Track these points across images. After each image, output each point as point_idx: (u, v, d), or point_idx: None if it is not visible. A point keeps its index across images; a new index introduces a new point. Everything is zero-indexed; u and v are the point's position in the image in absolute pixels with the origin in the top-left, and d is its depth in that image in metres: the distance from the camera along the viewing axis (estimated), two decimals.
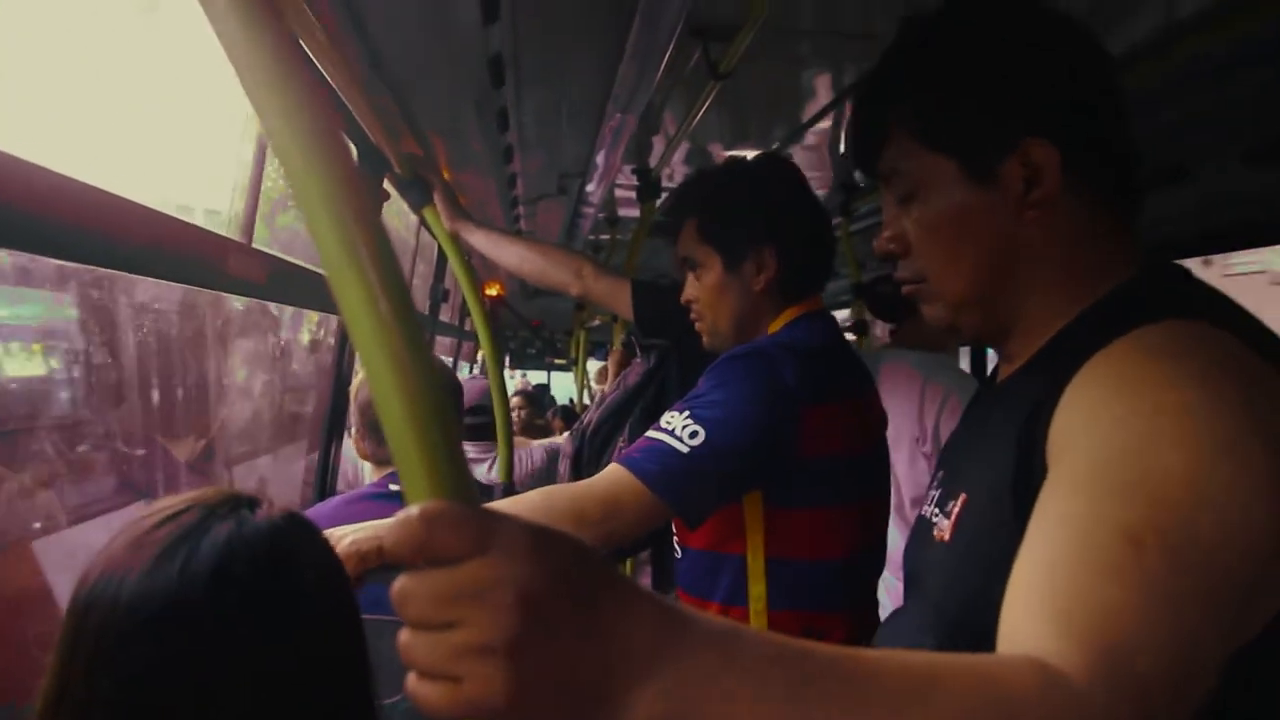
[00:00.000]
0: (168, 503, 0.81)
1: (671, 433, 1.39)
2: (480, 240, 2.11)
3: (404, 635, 0.51)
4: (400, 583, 0.51)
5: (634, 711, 0.53)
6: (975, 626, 0.70)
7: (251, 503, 0.82)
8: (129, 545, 0.77)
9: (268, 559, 0.78)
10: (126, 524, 0.80)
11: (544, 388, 8.35)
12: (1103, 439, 0.70)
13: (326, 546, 0.86)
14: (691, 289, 1.65)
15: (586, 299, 2.18)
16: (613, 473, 1.38)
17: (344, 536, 1.18)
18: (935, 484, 1.00)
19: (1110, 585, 0.62)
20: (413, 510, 0.50)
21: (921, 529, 0.99)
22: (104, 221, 1.07)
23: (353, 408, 1.95)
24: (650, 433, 1.42)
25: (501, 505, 1.44)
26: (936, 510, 0.95)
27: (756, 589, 1.50)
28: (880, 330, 3.76)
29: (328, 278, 0.49)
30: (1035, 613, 0.63)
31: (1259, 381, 0.71)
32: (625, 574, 0.55)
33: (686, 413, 1.41)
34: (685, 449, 1.37)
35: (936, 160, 0.90)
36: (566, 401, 8.20)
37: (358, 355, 0.50)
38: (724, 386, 1.43)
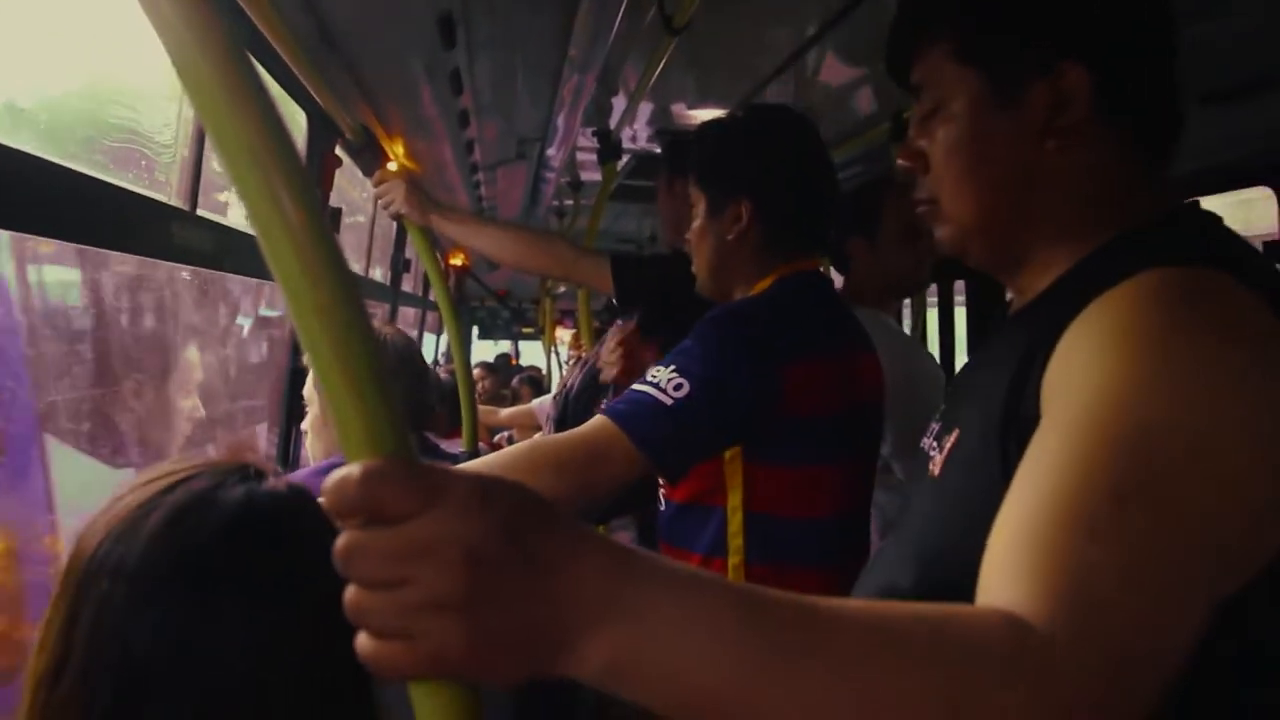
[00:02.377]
0: (175, 466, 0.80)
1: (657, 385, 1.39)
2: (455, 231, 2.07)
3: (351, 595, 0.50)
4: (344, 541, 0.50)
5: (588, 658, 0.52)
6: (955, 567, 0.69)
7: (259, 472, 0.81)
8: (135, 509, 0.75)
9: (275, 528, 0.77)
10: (131, 485, 0.79)
11: (505, 357, 8.29)
12: (1093, 388, 0.68)
13: (330, 522, 0.85)
14: (690, 232, 1.65)
15: (567, 281, 2.18)
16: (596, 423, 1.38)
17: None
18: (937, 417, 0.97)
19: (1092, 544, 0.60)
20: (353, 468, 0.48)
21: (920, 461, 0.97)
22: (42, 187, 1.04)
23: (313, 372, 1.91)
24: (635, 386, 1.41)
25: (490, 455, 1.46)
26: (934, 444, 0.92)
27: (735, 543, 1.50)
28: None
29: (256, 234, 0.46)
30: (1013, 567, 0.61)
31: (1268, 338, 0.68)
32: (574, 521, 0.54)
33: (672, 366, 1.40)
34: (670, 401, 1.37)
35: (965, 75, 0.87)
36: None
37: (289, 312, 0.48)
38: (707, 342, 1.43)
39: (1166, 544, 0.60)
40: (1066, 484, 0.63)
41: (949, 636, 0.56)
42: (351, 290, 0.47)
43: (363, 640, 0.51)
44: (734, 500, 1.50)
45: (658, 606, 0.53)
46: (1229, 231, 0.82)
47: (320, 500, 0.83)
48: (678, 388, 1.38)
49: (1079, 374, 0.70)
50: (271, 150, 0.45)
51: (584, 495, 1.37)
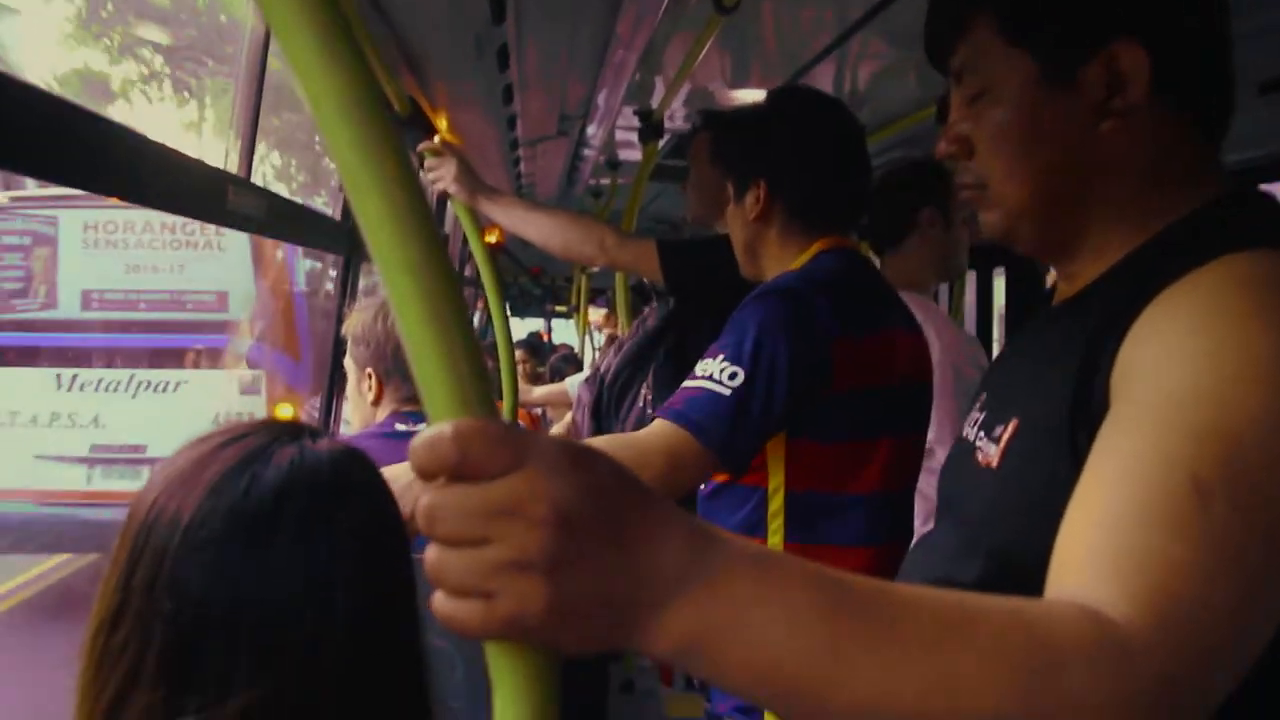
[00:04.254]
0: (232, 425, 0.83)
1: (710, 378, 1.39)
2: (500, 215, 2.07)
3: (432, 553, 0.50)
4: (430, 499, 0.50)
5: (666, 629, 0.52)
6: (1021, 558, 0.68)
7: (314, 432, 0.84)
8: (193, 464, 0.79)
9: (328, 487, 0.80)
10: (190, 441, 0.82)
11: (536, 334, 8.29)
12: (1177, 376, 0.66)
13: (383, 481, 0.87)
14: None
15: (612, 268, 2.16)
16: (662, 429, 1.39)
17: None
18: (979, 406, 0.95)
19: (1174, 540, 0.59)
20: (444, 427, 0.48)
21: (962, 452, 0.95)
22: (102, 147, 1.07)
23: (357, 345, 1.93)
24: (687, 382, 1.42)
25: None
26: (982, 434, 0.90)
27: (775, 522, 1.50)
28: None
29: (345, 188, 0.48)
30: (1089, 561, 0.61)
31: None
32: (657, 495, 0.54)
33: (721, 356, 1.41)
34: (727, 391, 1.38)
35: (1015, 57, 0.84)
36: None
37: (378, 270, 0.49)
38: (754, 325, 1.43)
39: (1251, 542, 0.59)
40: (1147, 477, 0.62)
41: (1026, 625, 0.56)
42: (441, 249, 0.48)
43: (440, 599, 0.51)
44: (775, 479, 1.50)
45: (736, 584, 0.53)
46: None
47: (367, 458, 0.86)
48: (732, 376, 1.38)
49: (1159, 362, 0.68)
50: (363, 107, 0.46)
51: (669, 496, 1.37)
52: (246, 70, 1.86)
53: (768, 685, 0.54)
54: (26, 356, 6.36)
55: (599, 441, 1.45)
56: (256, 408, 6.33)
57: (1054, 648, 0.55)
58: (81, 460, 6.23)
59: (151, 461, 5.47)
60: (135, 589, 0.75)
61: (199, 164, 1.32)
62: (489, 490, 0.49)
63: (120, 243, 6.45)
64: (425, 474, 0.49)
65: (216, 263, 6.65)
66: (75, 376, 6.30)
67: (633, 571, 0.51)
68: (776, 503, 1.50)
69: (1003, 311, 3.23)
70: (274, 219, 1.54)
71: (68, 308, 6.43)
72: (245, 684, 0.73)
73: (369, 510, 0.83)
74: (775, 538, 1.50)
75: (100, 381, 6.33)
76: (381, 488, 0.87)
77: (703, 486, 1.64)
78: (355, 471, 0.84)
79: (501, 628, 0.49)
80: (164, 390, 6.36)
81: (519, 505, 0.48)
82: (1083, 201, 0.85)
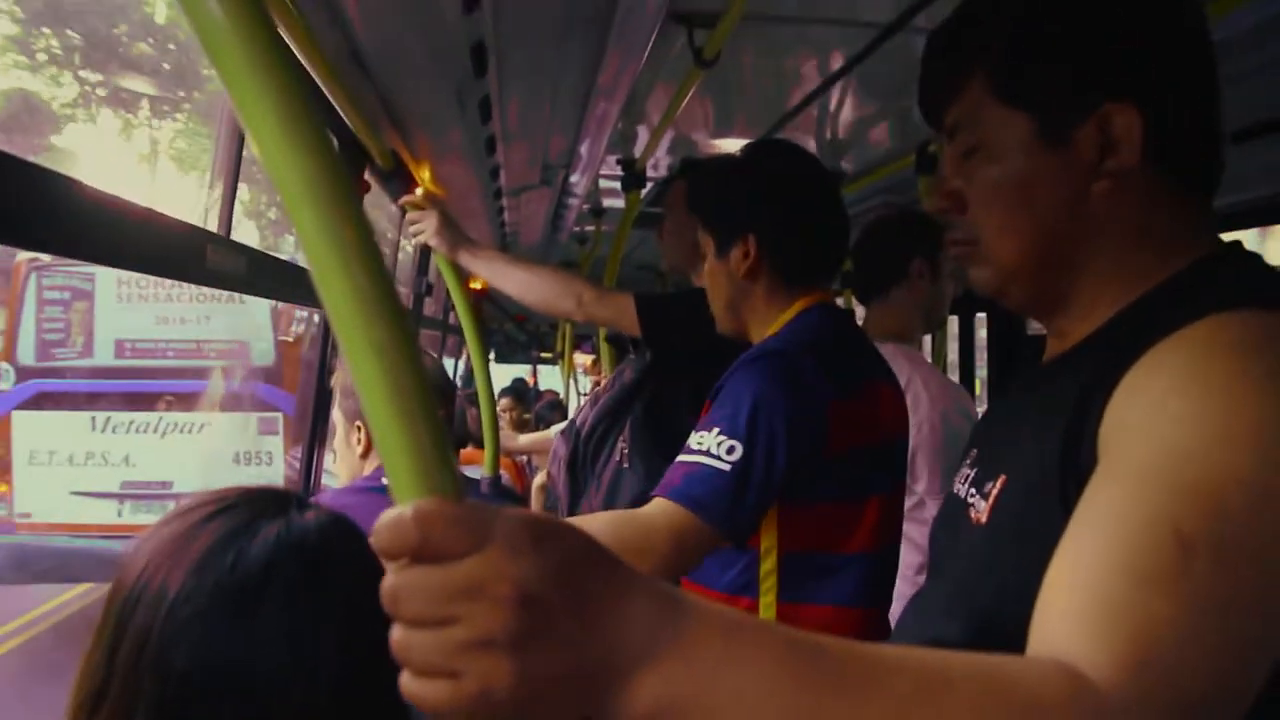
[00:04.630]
0: (212, 495, 0.81)
1: (707, 453, 1.37)
2: (481, 268, 2.08)
3: (397, 634, 0.50)
4: (393, 581, 0.50)
5: (636, 698, 0.52)
6: (1007, 615, 0.67)
7: (301, 502, 0.83)
8: (178, 537, 0.77)
9: (316, 560, 0.79)
10: (169, 515, 0.80)
11: (521, 381, 8.32)
12: (1163, 436, 0.66)
13: (369, 549, 0.86)
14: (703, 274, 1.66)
15: (590, 323, 2.16)
16: (662, 508, 1.36)
17: None
18: (970, 462, 0.95)
19: (1155, 596, 0.58)
20: (405, 509, 0.48)
21: (953, 508, 0.94)
22: (78, 213, 1.05)
23: (347, 398, 1.92)
24: (683, 457, 1.40)
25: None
26: (973, 490, 0.90)
27: (767, 583, 1.49)
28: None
29: (311, 270, 0.47)
30: (1071, 617, 0.60)
31: None
32: (623, 563, 0.54)
33: (716, 429, 1.39)
34: (726, 466, 1.36)
35: (1009, 116, 0.84)
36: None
37: (342, 351, 0.48)
38: (749, 393, 1.41)
39: (1233, 599, 0.59)
40: (1131, 532, 0.61)
41: (1003, 684, 0.55)
42: (406, 328, 0.48)
43: (407, 679, 0.51)
44: (768, 541, 1.48)
45: (707, 648, 0.53)
46: (1277, 270, 0.81)
47: (355, 526, 0.85)
48: (730, 450, 1.36)
49: (1146, 422, 0.68)
50: (329, 187, 0.45)
51: (671, 576, 1.37)
52: (227, 126, 1.86)
53: None
54: (66, 401, 6.90)
55: (600, 521, 1.40)
56: (274, 447, 6.91)
57: (1031, 708, 0.54)
58: (113, 496, 6.80)
59: (177, 497, 6.03)
60: (118, 667, 0.73)
61: (177, 224, 1.30)
62: (451, 571, 0.49)
63: (150, 296, 7.06)
64: (388, 555, 0.50)
65: (238, 314, 7.19)
66: (109, 419, 6.88)
67: (599, 644, 0.51)
68: (769, 563, 1.48)
69: (985, 359, 3.24)
70: (254, 276, 1.53)
71: (103, 356, 7.01)
72: None
73: (356, 580, 0.81)
74: (767, 598, 1.48)
75: (131, 423, 6.89)
76: (368, 556, 0.85)
77: None
78: (342, 542, 0.82)
79: (469, 706, 0.49)
80: (190, 431, 6.94)
81: (481, 585, 0.48)
82: (1074, 260, 0.85)
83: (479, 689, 0.49)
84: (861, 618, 1.50)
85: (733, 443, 1.36)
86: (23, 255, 6.75)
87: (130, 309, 7.06)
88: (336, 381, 1.97)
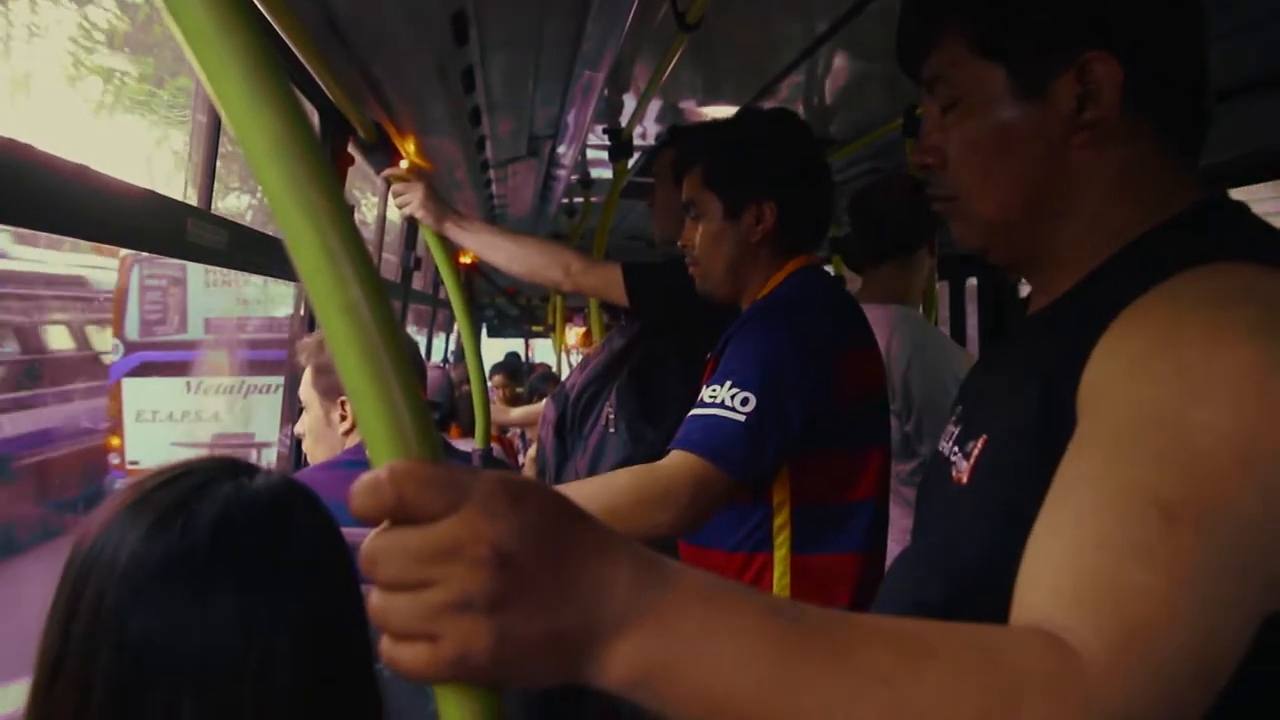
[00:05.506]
0: (165, 467, 0.81)
1: (721, 404, 1.40)
2: (469, 240, 2.08)
3: (375, 598, 0.50)
4: (370, 544, 0.50)
5: (615, 663, 0.52)
6: (988, 576, 0.67)
7: (250, 469, 0.82)
8: (126, 508, 0.76)
9: (266, 523, 0.78)
10: (122, 487, 0.80)
11: (515, 355, 8.43)
12: (1140, 397, 0.65)
13: (325, 512, 0.85)
14: (690, 234, 1.67)
15: (578, 293, 2.18)
16: (682, 460, 1.39)
17: None
18: (955, 419, 0.94)
19: (1137, 565, 0.57)
20: (381, 471, 0.48)
21: (938, 467, 0.94)
22: (59, 187, 1.04)
23: (327, 375, 1.87)
24: (697, 411, 1.43)
25: (585, 485, 1.46)
26: (955, 449, 0.89)
27: (781, 536, 1.52)
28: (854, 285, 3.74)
29: (284, 236, 0.46)
30: (1053, 587, 0.59)
31: None
32: (604, 526, 0.54)
33: (729, 382, 1.42)
34: (741, 417, 1.39)
35: (986, 69, 0.83)
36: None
37: (315, 312, 0.48)
38: (758, 345, 1.46)
39: (1216, 564, 0.58)
40: (1112, 501, 0.61)
41: (987, 653, 0.55)
42: (379, 289, 0.47)
43: (386, 642, 0.50)
44: (780, 495, 1.52)
45: (686, 615, 0.52)
46: (1261, 222, 0.79)
47: (309, 490, 0.84)
48: (744, 402, 1.39)
49: (1123, 382, 0.67)
50: (296, 147, 0.45)
51: (692, 528, 1.42)
52: (204, 100, 1.84)
53: (726, 717, 0.53)
54: (165, 369, 8.51)
55: (622, 477, 1.43)
56: None
57: (1014, 677, 0.54)
58: (206, 446, 8.16)
59: (260, 446, 7.93)
60: (74, 636, 0.73)
61: (156, 197, 1.29)
62: (428, 533, 0.49)
63: (233, 281, 8.62)
64: (364, 517, 0.49)
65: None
66: (200, 382, 8.53)
67: (577, 607, 0.51)
68: (782, 517, 1.52)
69: (976, 320, 3.24)
70: (236, 250, 1.52)
71: (194, 331, 8.67)
72: None
73: (312, 545, 0.82)
74: (781, 551, 1.53)
75: (219, 386, 8.56)
76: (324, 519, 0.84)
77: None
78: (296, 506, 0.82)
79: (447, 669, 0.49)
80: (266, 391, 8.38)
81: (458, 547, 0.48)
82: (1054, 214, 0.84)
83: (457, 651, 0.49)
84: (868, 561, 1.56)
85: (746, 394, 1.40)
86: (125, 251, 7.98)
87: (216, 292, 8.67)
88: (307, 358, 1.89)
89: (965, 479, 0.85)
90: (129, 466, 8.17)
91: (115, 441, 8.36)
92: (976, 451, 0.85)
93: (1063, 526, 0.63)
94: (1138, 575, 0.57)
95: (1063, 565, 0.60)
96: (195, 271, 8.40)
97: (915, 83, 0.93)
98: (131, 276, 8.44)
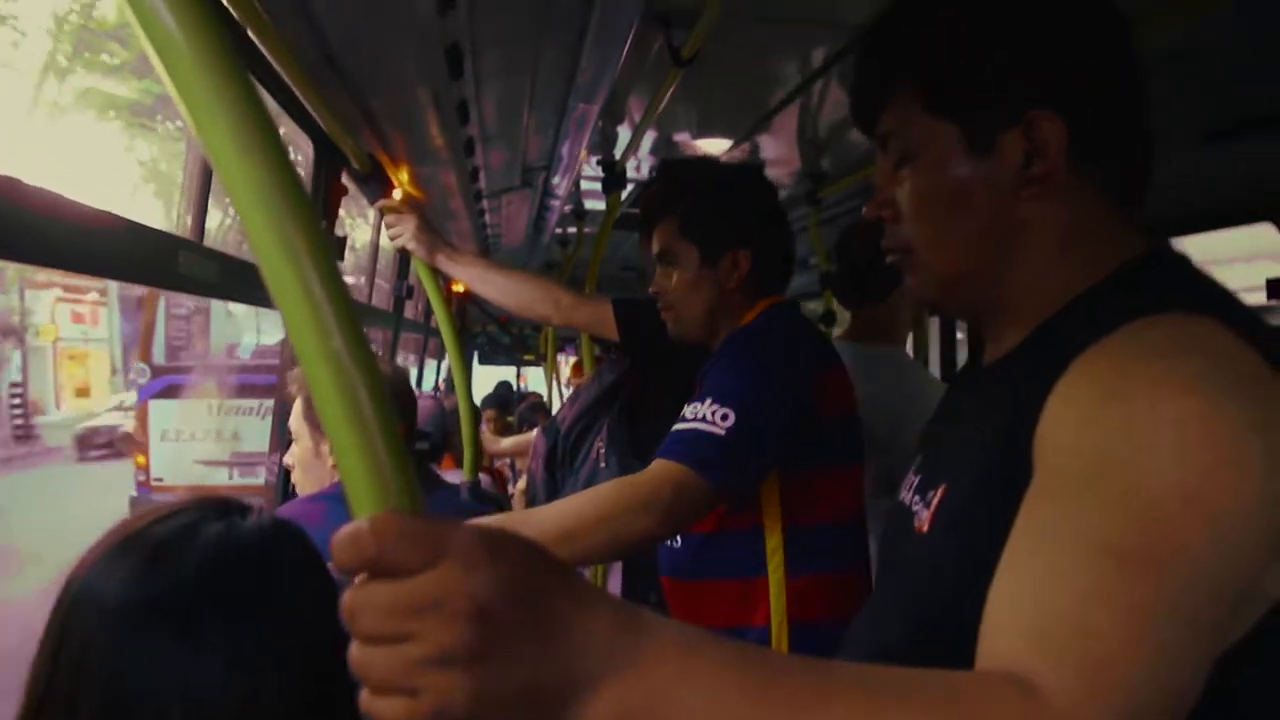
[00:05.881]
0: (159, 505, 0.81)
1: (701, 419, 1.43)
2: (460, 273, 2.09)
3: (355, 651, 0.50)
4: (350, 597, 0.50)
5: (593, 714, 0.52)
6: (952, 623, 0.68)
7: (242, 508, 0.82)
8: (118, 546, 0.76)
9: (257, 563, 0.78)
10: (115, 525, 0.80)
11: (506, 384, 8.48)
12: (1092, 446, 0.67)
13: (315, 552, 0.85)
14: (663, 281, 1.72)
15: (569, 327, 2.20)
16: (663, 467, 1.41)
17: None
18: (915, 469, 0.96)
19: (1094, 607, 0.60)
20: (361, 523, 0.48)
21: (900, 516, 0.95)
22: (49, 221, 1.04)
23: (307, 409, 1.87)
24: (678, 426, 1.45)
25: (575, 499, 1.47)
26: (916, 498, 0.91)
27: (775, 559, 1.54)
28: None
29: (265, 277, 0.46)
30: (1017, 633, 0.61)
31: (1261, 385, 0.67)
32: (582, 577, 0.54)
33: (709, 399, 1.44)
34: (721, 431, 1.41)
35: (937, 126, 0.86)
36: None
37: (300, 362, 0.47)
38: (738, 365, 1.50)
39: (1170, 604, 0.60)
40: (1068, 547, 0.62)
41: (955, 695, 0.56)
42: (360, 339, 0.47)
43: (365, 695, 0.50)
44: (771, 517, 1.55)
45: (663, 665, 0.53)
46: (1202, 274, 0.81)
47: (298, 530, 0.84)
48: (724, 417, 1.42)
49: (1073, 431, 0.69)
50: (282, 192, 0.44)
51: (671, 532, 1.46)
52: None
53: None
54: (187, 391, 9.28)
55: (606, 487, 1.45)
56: None
57: (987, 718, 0.55)
58: (225, 464, 9.08)
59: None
60: (60, 676, 0.73)
61: (148, 230, 1.29)
62: (407, 587, 0.48)
63: (252, 312, 9.39)
64: (345, 570, 0.49)
65: None
66: (220, 404, 9.26)
67: (555, 659, 0.51)
68: (775, 539, 1.54)
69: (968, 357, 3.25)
70: (227, 281, 1.51)
71: (216, 356, 9.65)
72: None
73: (300, 585, 0.81)
74: (776, 574, 1.55)
75: (239, 408, 9.20)
76: (315, 562, 0.84)
77: (675, 543, 1.65)
78: (286, 547, 0.82)
79: None
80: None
81: (437, 601, 0.48)
82: (1005, 266, 0.87)
83: (436, 706, 0.49)
84: (858, 581, 1.59)
85: (726, 410, 1.42)
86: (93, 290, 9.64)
87: (236, 320, 9.70)
88: (298, 389, 1.90)
89: (925, 527, 0.87)
90: (154, 483, 9.09)
91: (141, 460, 9.21)
92: (936, 500, 0.86)
93: (1023, 574, 0.64)
94: (1097, 618, 0.59)
95: (1025, 611, 0.62)
96: (218, 302, 8.98)
97: (869, 138, 0.95)
98: (158, 305, 9.39)
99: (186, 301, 9.29)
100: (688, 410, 1.46)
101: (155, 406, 9.18)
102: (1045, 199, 0.84)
